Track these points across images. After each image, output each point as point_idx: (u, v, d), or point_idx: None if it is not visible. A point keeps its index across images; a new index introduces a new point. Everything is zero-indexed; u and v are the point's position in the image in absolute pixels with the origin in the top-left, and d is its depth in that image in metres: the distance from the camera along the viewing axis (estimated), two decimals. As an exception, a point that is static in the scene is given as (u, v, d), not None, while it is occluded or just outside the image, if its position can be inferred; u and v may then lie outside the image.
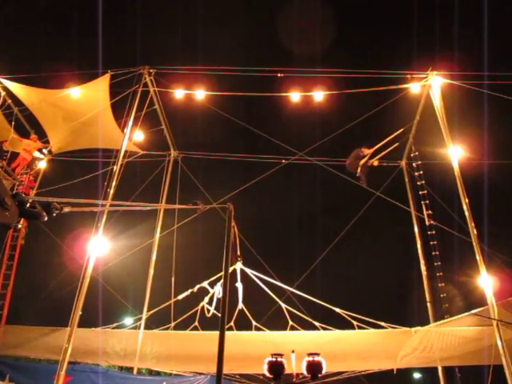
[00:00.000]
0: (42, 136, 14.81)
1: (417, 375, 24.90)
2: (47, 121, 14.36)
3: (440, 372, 13.50)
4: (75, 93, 12.92)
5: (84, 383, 11.29)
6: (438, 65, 12.55)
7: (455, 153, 11.73)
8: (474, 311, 10.48)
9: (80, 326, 10.13)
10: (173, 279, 13.71)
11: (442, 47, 17.83)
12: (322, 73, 12.95)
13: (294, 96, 12.99)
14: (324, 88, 12.84)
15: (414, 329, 11.48)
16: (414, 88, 12.54)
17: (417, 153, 14.79)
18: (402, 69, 12.57)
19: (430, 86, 12.29)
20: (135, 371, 13.35)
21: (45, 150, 15.17)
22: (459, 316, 11.08)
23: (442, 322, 12.04)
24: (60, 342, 9.80)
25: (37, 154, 14.71)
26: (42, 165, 15.15)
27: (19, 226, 12.84)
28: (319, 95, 12.89)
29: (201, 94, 13.27)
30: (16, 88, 13.24)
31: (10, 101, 13.76)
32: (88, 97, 13.01)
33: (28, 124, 14.87)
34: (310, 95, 12.99)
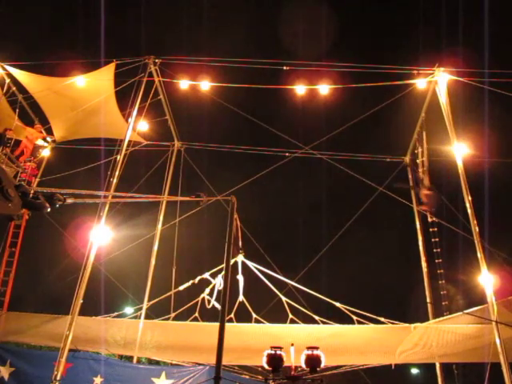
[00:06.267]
0: (45, 124, 14.78)
1: (414, 371, 25.04)
2: (51, 109, 14.31)
3: (438, 368, 13.54)
4: (80, 81, 12.87)
5: (84, 370, 11.39)
6: (445, 61, 12.47)
7: (460, 150, 11.68)
8: (470, 310, 10.49)
9: (81, 314, 10.20)
10: (174, 270, 13.74)
11: (449, 44, 17.69)
12: (327, 67, 12.87)
13: (299, 89, 12.92)
14: (329, 82, 12.76)
15: (413, 325, 11.51)
16: (420, 84, 12.47)
17: (421, 149, 14.70)
18: (409, 65, 12.49)
19: (436, 82, 12.22)
20: (135, 360, 13.44)
21: (48, 139, 15.16)
22: (455, 314, 11.11)
23: (441, 318, 12.07)
24: (61, 330, 9.87)
25: (40, 142, 14.70)
26: (46, 153, 15.14)
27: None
28: (324, 89, 12.81)
29: (205, 85, 13.21)
30: (21, 75, 13.17)
31: (14, 88, 13.71)
32: (93, 86, 12.96)
33: (32, 112, 14.82)
34: (315, 89, 12.91)
